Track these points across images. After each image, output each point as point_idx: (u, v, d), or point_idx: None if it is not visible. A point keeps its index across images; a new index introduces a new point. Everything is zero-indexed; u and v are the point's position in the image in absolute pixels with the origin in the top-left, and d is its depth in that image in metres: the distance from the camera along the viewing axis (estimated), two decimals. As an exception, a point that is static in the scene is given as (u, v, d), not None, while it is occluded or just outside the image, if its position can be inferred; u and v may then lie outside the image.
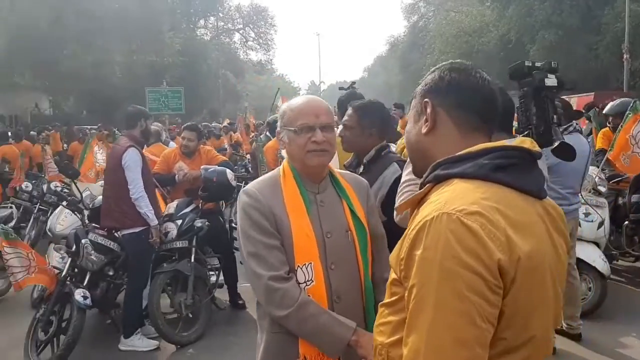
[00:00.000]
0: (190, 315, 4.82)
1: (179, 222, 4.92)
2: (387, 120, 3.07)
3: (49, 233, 5.68)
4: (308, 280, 1.85)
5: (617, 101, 5.78)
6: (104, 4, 21.41)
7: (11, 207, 7.61)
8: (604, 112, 5.63)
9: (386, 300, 1.29)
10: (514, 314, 1.10)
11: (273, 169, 2.14)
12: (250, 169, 8.80)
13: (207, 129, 12.03)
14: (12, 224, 6.89)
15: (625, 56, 18.05)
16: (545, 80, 2.23)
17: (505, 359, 1.12)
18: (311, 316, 1.79)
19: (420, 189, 1.30)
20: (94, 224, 4.82)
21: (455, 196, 1.13)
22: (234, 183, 5.04)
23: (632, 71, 18.36)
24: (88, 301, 4.33)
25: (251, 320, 5.31)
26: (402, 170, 2.45)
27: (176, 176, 5.28)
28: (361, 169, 2.81)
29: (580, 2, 22.10)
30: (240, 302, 5.55)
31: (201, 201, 5.15)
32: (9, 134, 10.65)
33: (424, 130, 1.32)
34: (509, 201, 1.15)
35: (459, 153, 1.24)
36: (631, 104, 5.11)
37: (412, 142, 1.39)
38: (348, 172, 2.18)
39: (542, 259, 1.15)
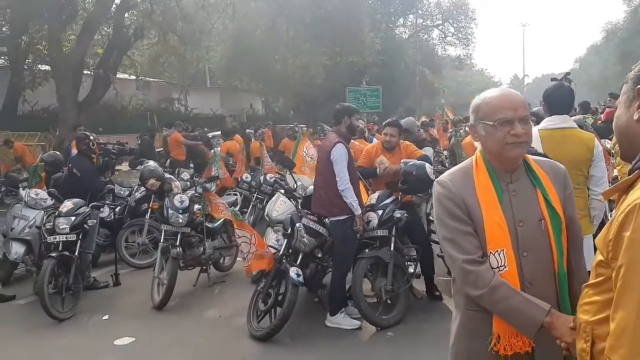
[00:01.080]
0: (389, 301, 5.10)
1: (380, 212, 5.22)
2: None
3: (266, 218, 6.40)
4: (501, 266, 1.92)
5: None
6: (311, 10, 22.97)
7: (236, 195, 8.73)
8: None
9: (591, 281, 1.36)
10: None
11: None
12: (446, 163, 8.84)
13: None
14: (236, 209, 7.91)
15: None
16: None
17: None
18: (503, 298, 1.87)
19: (629, 175, 1.33)
20: (305, 210, 5.35)
21: None
22: (432, 177, 5.18)
23: None
24: (301, 278, 4.85)
25: (447, 311, 5.42)
26: None
27: (377, 169, 5.59)
28: None
29: None
30: (437, 293, 5.69)
31: (400, 193, 5.39)
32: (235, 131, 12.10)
33: (636, 116, 1.33)
34: None
35: None
36: None
37: (622, 127, 1.41)
38: (545, 159, 2.16)
39: None
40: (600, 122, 9.08)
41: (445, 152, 10.27)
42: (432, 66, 39.02)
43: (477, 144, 2.14)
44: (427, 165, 5.25)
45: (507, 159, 1.99)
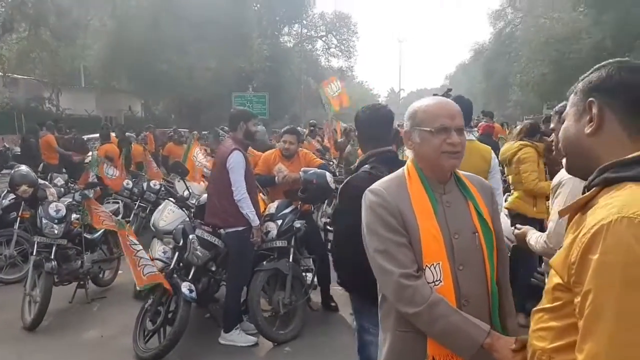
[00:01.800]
0: (286, 315, 4.92)
1: (279, 222, 5.04)
2: None
3: (152, 228, 5.96)
4: (436, 280, 1.82)
5: None
6: (199, 11, 22.32)
7: (117, 203, 8.09)
8: None
9: (546, 305, 1.27)
10: None
11: None
12: (336, 172, 8.85)
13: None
14: (118, 218, 7.31)
15: None
16: None
17: None
18: (443, 315, 1.76)
19: (586, 192, 1.26)
20: (199, 221, 5.01)
21: (633, 200, 1.10)
22: (333, 186, 5.09)
23: None
24: (194, 294, 4.51)
25: (343, 323, 5.35)
26: None
27: (276, 177, 5.40)
28: None
29: (687, 7, 20.78)
30: (333, 304, 5.60)
31: (300, 202, 5.24)
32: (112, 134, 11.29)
33: (587, 130, 1.28)
34: None
35: (631, 156, 1.20)
36: None
37: (571, 140, 1.35)
38: (472, 174, 2.12)
39: None
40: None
41: (335, 160, 10.33)
42: (316, 76, 39.65)
43: (409, 153, 2.04)
44: (327, 174, 5.15)
45: (441, 168, 1.92)
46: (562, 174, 2.57)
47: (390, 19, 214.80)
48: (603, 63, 1.35)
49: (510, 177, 5.01)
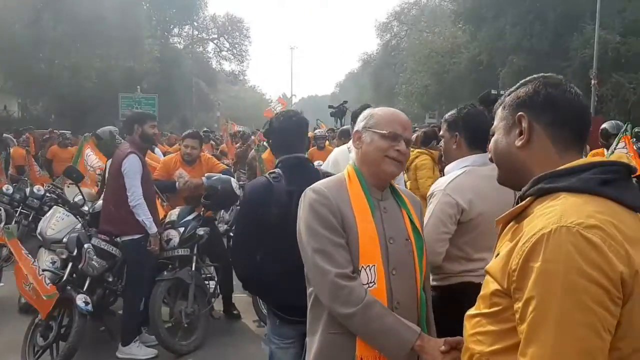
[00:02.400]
0: (187, 325, 4.77)
1: (182, 229, 4.89)
2: None
3: (38, 237, 5.54)
4: (370, 282, 1.87)
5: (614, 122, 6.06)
6: (84, 8, 21.01)
7: (-1, 210, 7.42)
8: (605, 129, 5.88)
9: (484, 310, 1.32)
10: (630, 325, 1.13)
11: None
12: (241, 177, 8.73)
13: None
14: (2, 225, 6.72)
15: (592, 82, 18.69)
16: None
17: None
18: (377, 316, 1.80)
19: (520, 201, 1.34)
20: (94, 229, 4.74)
21: (569, 209, 1.16)
22: (238, 192, 5.03)
23: (599, 96, 19.04)
24: (89, 307, 4.26)
25: (247, 330, 5.31)
26: None
27: (177, 183, 5.24)
28: None
29: (550, 28, 22.84)
30: (235, 312, 5.53)
31: (203, 209, 5.13)
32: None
33: (518, 143, 1.36)
34: (619, 216, 1.19)
35: (562, 167, 1.28)
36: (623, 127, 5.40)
37: (502, 152, 1.42)
38: (403, 187, 2.25)
39: None
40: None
41: (227, 161, 10.18)
42: (207, 79, 38.89)
43: (352, 156, 2.09)
44: (232, 179, 5.08)
45: (383, 172, 1.99)
46: (435, 186, 2.65)
47: (283, 26, 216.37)
48: (529, 78, 1.43)
49: (408, 183, 5.25)
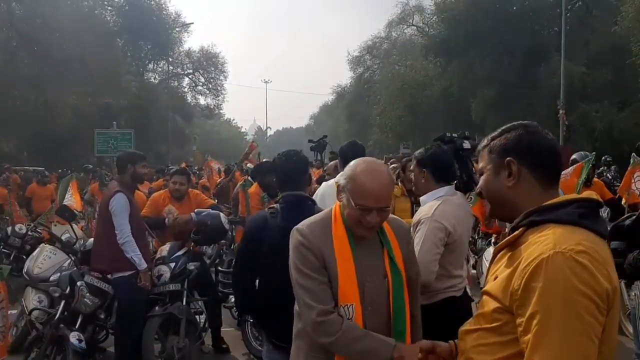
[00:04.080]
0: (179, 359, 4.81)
1: (172, 264, 4.96)
2: None
3: (25, 275, 5.55)
4: (349, 318, 2.07)
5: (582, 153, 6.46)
6: (60, 45, 21.03)
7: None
8: (574, 160, 6.26)
9: (485, 325, 1.53)
10: (610, 331, 1.39)
11: None
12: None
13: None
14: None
15: (560, 111, 19.35)
16: (463, 144, 3.40)
17: None
18: (356, 339, 2.02)
19: (512, 232, 1.56)
20: (86, 267, 4.79)
21: (560, 238, 1.40)
22: (227, 226, 5.14)
23: (567, 125, 19.69)
24: (83, 344, 4.28)
25: (237, 363, 5.35)
26: None
27: (166, 220, 5.33)
28: None
29: (518, 60, 23.71)
30: (225, 346, 5.57)
31: (192, 244, 5.22)
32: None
33: (509, 184, 1.59)
34: (597, 243, 1.44)
35: (548, 203, 1.52)
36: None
37: (494, 192, 1.64)
38: (393, 216, 2.34)
39: (618, 289, 1.45)
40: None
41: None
42: (183, 113, 38.92)
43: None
44: (221, 214, 5.20)
45: (354, 233, 2.13)
46: (421, 213, 3.02)
47: (257, 59, 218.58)
48: (510, 125, 1.66)
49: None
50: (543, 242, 1.41)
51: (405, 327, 2.15)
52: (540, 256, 1.38)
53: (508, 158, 1.58)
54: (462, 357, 1.63)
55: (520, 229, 1.53)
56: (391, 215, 2.32)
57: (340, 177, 2.17)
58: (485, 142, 1.69)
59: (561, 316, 1.32)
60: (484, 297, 1.57)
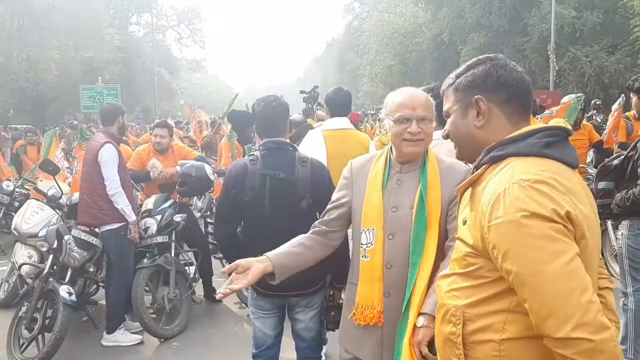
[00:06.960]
0: (169, 310, 4.87)
1: (159, 217, 4.95)
2: None
3: (13, 232, 5.55)
4: (369, 243, 2.14)
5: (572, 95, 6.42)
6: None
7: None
8: None
9: (459, 270, 1.47)
10: (586, 265, 1.28)
11: None
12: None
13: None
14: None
15: (551, 57, 19.18)
16: None
17: None
18: None
19: (475, 170, 1.49)
20: (73, 220, 4.79)
21: (518, 171, 1.34)
22: (212, 177, 5.13)
23: (557, 70, 19.56)
24: (73, 297, 4.32)
25: (228, 312, 5.44)
26: None
27: (151, 173, 5.30)
28: None
29: (508, 5, 23.28)
30: (216, 295, 5.63)
31: (178, 196, 5.21)
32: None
33: (477, 124, 1.50)
34: (561, 172, 1.36)
35: (511, 135, 1.44)
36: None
37: (462, 133, 1.55)
38: (451, 160, 2.20)
39: (594, 222, 1.38)
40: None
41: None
42: (169, 67, 38.34)
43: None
44: (206, 165, 5.16)
45: (403, 153, 2.17)
46: None
47: (247, 13, 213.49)
48: (475, 60, 1.55)
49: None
50: (501, 177, 1.36)
51: (418, 261, 2.07)
52: (497, 191, 1.32)
53: (476, 96, 1.49)
54: (438, 303, 1.56)
55: (482, 167, 1.46)
56: (448, 160, 2.24)
57: (382, 112, 2.29)
58: (449, 80, 1.58)
59: (529, 244, 1.25)
60: (457, 242, 1.51)
